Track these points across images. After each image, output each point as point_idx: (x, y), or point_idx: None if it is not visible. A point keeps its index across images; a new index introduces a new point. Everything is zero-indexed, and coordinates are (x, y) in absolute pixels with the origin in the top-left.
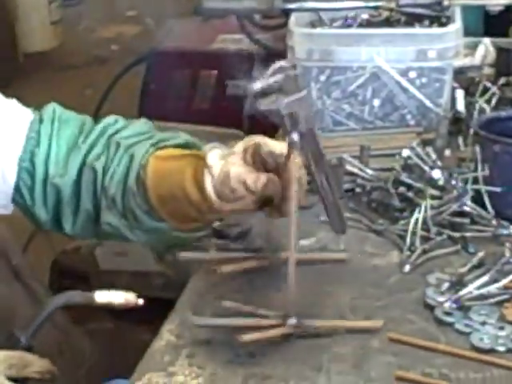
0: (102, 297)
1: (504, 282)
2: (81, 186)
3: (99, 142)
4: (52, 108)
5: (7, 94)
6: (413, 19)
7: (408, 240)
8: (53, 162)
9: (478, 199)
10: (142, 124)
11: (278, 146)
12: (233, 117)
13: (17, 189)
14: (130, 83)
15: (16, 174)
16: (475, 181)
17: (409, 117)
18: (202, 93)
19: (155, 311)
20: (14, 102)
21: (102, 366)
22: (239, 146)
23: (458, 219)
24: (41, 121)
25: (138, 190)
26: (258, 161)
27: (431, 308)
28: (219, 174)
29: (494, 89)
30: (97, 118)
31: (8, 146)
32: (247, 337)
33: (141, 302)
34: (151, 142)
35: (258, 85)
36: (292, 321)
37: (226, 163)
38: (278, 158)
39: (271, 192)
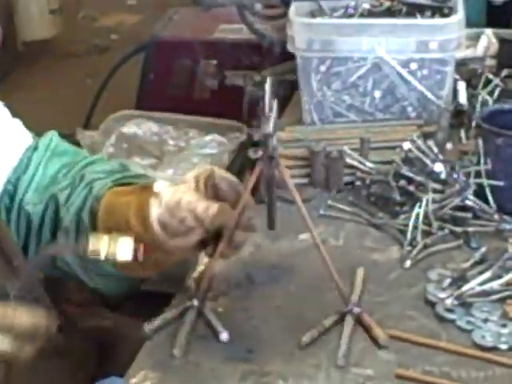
0: (94, 246)
1: (507, 278)
2: (45, 216)
3: (74, 175)
4: (50, 137)
5: (7, 83)
6: (414, 9)
7: (409, 235)
8: (32, 189)
9: (480, 193)
10: (116, 163)
11: (231, 176)
12: (232, 107)
13: None
14: (130, 73)
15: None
16: (477, 174)
17: (410, 109)
18: (201, 83)
19: (152, 305)
20: (18, 122)
21: (99, 366)
22: (190, 174)
23: (460, 213)
24: (35, 148)
25: (90, 223)
26: (210, 186)
27: (432, 304)
28: (169, 201)
29: (497, 81)
30: (95, 108)
31: (1, 163)
32: None
33: (140, 257)
34: (114, 178)
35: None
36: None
37: (177, 191)
38: (235, 185)
39: (222, 221)
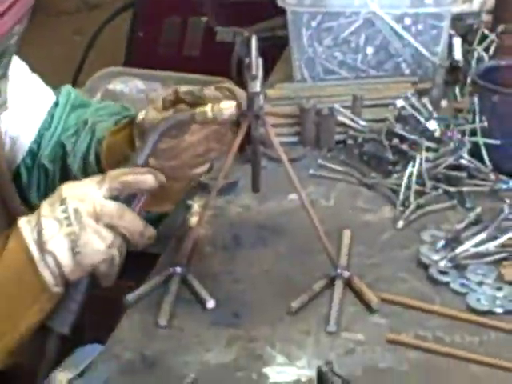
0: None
1: (502, 239)
2: (56, 167)
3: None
4: (67, 91)
5: None
6: None
7: (401, 195)
8: (52, 144)
9: (475, 152)
10: (118, 106)
11: (195, 88)
12: (222, 64)
13: (17, 168)
14: (120, 30)
15: (24, 154)
16: (473, 133)
17: (404, 65)
18: (191, 40)
19: (140, 266)
20: (36, 78)
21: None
22: (157, 96)
23: (454, 173)
24: (56, 104)
25: (97, 165)
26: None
27: (425, 267)
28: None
29: (493, 36)
30: (83, 65)
31: (29, 123)
32: None
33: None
34: (114, 119)
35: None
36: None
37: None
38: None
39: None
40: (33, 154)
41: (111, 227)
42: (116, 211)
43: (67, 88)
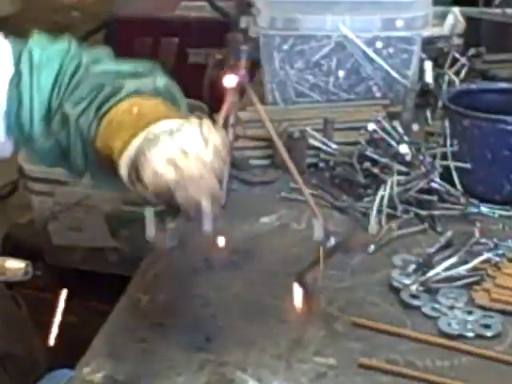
0: None
1: (473, 263)
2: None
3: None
4: (28, 55)
5: None
6: None
7: (373, 218)
8: (36, 121)
9: (446, 176)
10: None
11: None
12: (194, 86)
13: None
14: None
15: (4, 131)
16: (444, 156)
17: (375, 89)
18: (162, 61)
19: (110, 288)
20: None
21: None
22: None
23: (425, 196)
24: (19, 74)
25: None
26: None
27: (397, 291)
28: None
29: (464, 60)
30: None
31: None
32: None
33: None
34: (94, 110)
35: None
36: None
37: None
38: None
39: None
40: (19, 127)
41: None
42: None
43: (28, 48)
